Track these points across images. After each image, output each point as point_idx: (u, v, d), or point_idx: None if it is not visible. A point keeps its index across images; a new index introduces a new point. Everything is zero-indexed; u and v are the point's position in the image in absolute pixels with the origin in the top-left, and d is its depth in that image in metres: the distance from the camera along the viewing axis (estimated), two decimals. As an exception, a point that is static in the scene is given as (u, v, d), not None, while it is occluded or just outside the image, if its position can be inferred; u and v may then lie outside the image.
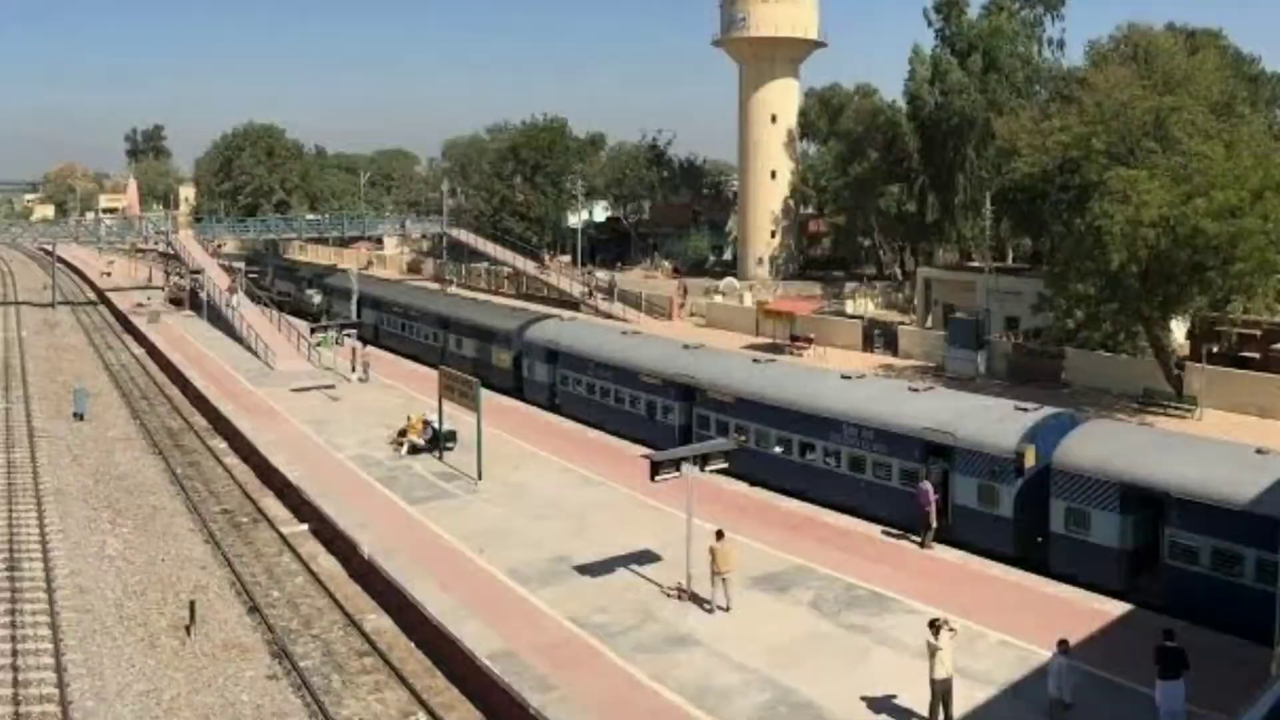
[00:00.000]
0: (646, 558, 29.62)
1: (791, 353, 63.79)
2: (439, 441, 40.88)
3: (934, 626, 20.90)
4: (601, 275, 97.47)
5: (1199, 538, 25.36)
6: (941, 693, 20.67)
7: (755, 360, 42.01)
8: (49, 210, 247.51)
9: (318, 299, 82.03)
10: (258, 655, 25.91)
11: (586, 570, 28.92)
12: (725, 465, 28.79)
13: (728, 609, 25.99)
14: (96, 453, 44.74)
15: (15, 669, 24.75)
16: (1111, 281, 46.45)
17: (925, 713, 20.87)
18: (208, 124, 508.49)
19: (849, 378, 37.70)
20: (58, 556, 31.76)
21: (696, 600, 26.57)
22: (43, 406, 52.94)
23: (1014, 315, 63.31)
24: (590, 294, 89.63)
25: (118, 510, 36.93)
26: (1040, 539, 28.76)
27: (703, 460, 27.70)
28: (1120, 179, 46.14)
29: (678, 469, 27.19)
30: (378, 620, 27.85)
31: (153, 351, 68.80)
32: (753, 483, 36.13)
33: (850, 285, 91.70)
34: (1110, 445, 28.36)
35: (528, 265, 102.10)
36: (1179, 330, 55.64)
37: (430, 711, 23.10)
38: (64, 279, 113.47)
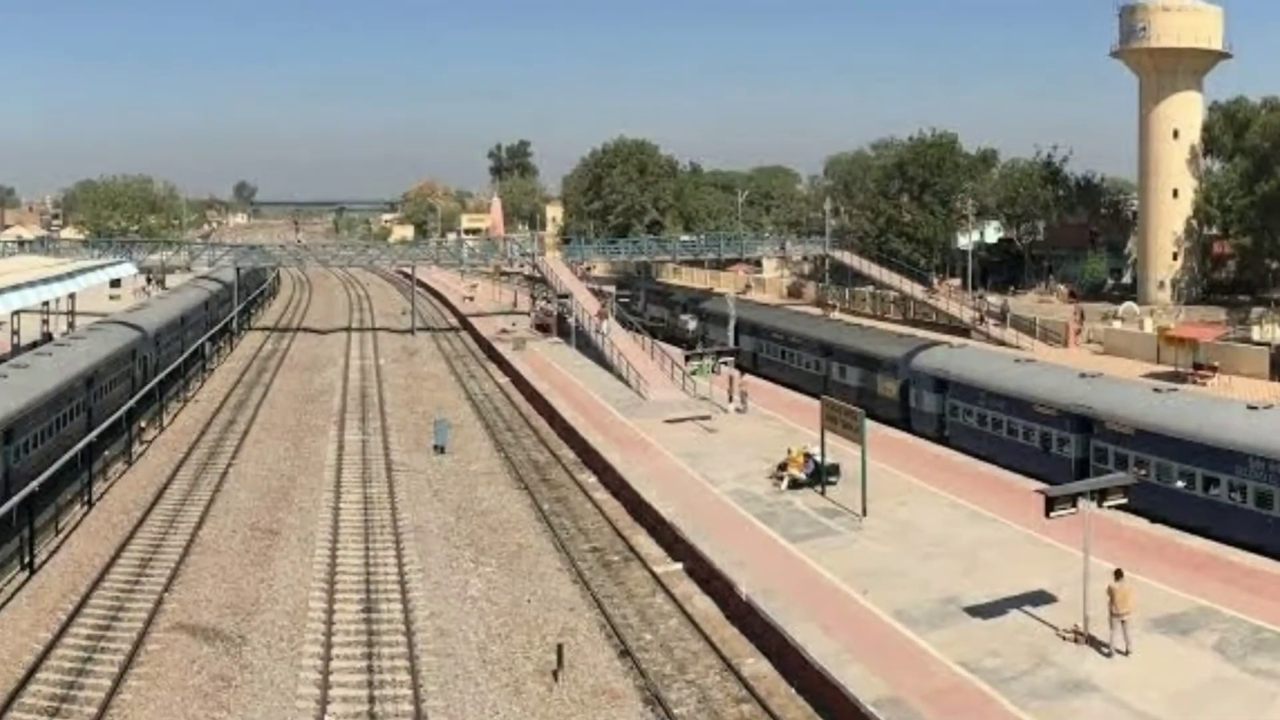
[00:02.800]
0: (1040, 598, 30.85)
1: (1195, 381, 66.00)
2: (821, 476, 42.63)
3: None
4: (993, 300, 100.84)
5: None
6: None
7: (1156, 389, 44.43)
8: (408, 231, 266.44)
9: (693, 325, 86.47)
10: (629, 702, 27.57)
11: (977, 611, 30.21)
12: (1124, 500, 30.19)
13: (1127, 652, 27.08)
14: (458, 487, 48.13)
15: (373, 716, 27.07)
16: None
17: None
18: (576, 139, 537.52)
19: (1255, 408, 39.17)
20: (417, 597, 34.36)
21: (1094, 643, 27.74)
22: (401, 439, 57.20)
23: None
24: (981, 319, 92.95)
25: (480, 548, 39.68)
26: None
27: (1100, 495, 29.24)
28: None
29: (1074, 505, 28.88)
30: (756, 665, 29.25)
31: (517, 380, 73.42)
32: (1153, 519, 37.40)
33: (1256, 310, 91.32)
34: None
35: (915, 289, 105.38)
36: None
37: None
38: (424, 304, 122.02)
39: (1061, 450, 43.95)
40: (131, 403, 56.20)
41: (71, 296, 78.10)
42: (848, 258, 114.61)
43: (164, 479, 48.47)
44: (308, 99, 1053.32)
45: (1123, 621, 27.14)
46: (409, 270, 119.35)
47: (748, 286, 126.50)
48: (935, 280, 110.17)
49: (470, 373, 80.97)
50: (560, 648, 29.51)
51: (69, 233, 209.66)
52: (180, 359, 72.53)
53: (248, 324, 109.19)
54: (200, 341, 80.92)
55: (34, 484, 39.13)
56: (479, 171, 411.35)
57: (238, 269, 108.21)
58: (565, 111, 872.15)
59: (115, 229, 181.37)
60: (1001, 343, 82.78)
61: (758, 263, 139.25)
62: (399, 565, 37.37)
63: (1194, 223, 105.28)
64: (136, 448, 54.11)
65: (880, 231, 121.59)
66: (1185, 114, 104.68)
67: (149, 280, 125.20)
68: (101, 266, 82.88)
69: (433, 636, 31.44)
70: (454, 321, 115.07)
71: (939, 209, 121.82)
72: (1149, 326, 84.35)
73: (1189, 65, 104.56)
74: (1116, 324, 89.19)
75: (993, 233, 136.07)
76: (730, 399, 59.48)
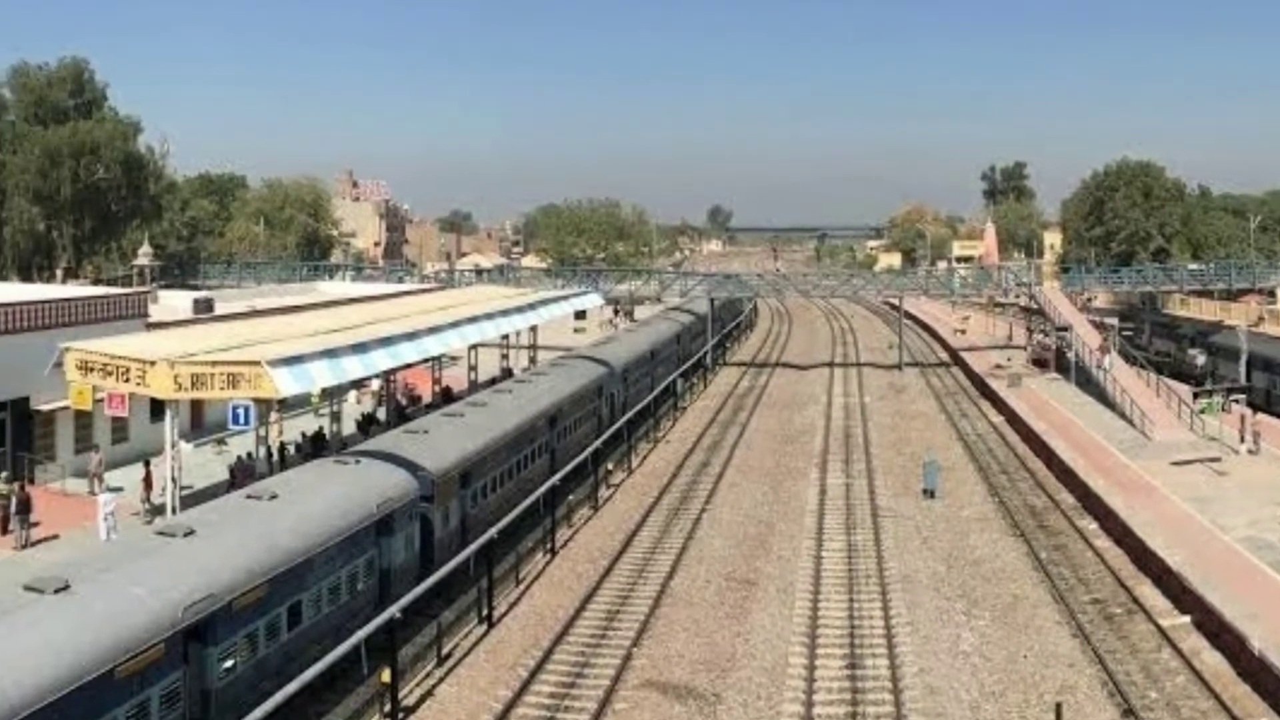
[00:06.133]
0: None
1: None
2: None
3: None
4: None
5: None
6: None
7: None
8: (895, 259, 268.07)
9: (1201, 359, 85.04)
10: (1133, 765, 27.54)
11: None
12: None
13: None
14: (949, 534, 48.32)
15: (858, 780, 27.79)
16: None
17: None
18: (1076, 160, 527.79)
19: None
20: (905, 652, 34.68)
21: None
22: (888, 482, 57.85)
23: None
24: None
25: (973, 600, 39.79)
26: None
27: None
28: None
29: None
30: (1269, 726, 28.76)
31: (1012, 419, 73.28)
32: None
33: None
34: None
35: None
36: None
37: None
38: (912, 337, 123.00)
39: None
40: (598, 443, 57.02)
41: (533, 329, 78.70)
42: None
43: (632, 525, 49.38)
44: (787, 117, 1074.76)
45: None
46: (896, 301, 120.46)
47: (1260, 319, 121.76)
48: None
49: (962, 411, 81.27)
50: (1059, 707, 29.54)
51: (530, 260, 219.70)
52: (650, 396, 73.48)
53: (723, 359, 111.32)
54: (671, 378, 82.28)
55: (492, 531, 39.76)
56: (971, 195, 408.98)
57: (712, 300, 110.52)
58: (1064, 130, 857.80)
59: (579, 256, 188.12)
60: None
61: (1272, 293, 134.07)
62: (885, 618, 37.61)
63: None
64: (603, 492, 55.08)
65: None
66: None
67: (616, 312, 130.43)
68: (565, 297, 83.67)
69: (921, 695, 31.67)
70: (944, 356, 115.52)
71: None
72: None
73: None
74: None
75: None
76: (1242, 439, 58.28)
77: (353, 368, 44.50)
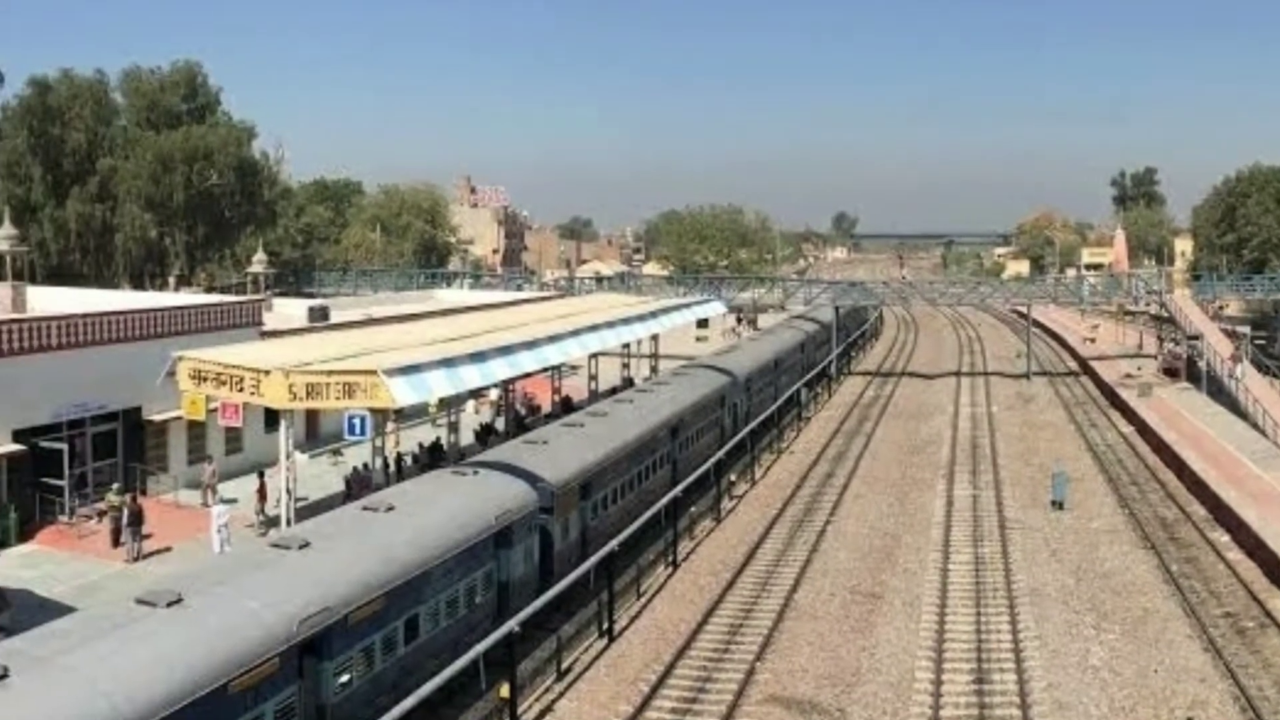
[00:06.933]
0: None
1: None
2: None
3: None
4: None
5: None
6: None
7: None
8: (1023, 266, 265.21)
9: None
10: (1265, 785, 26.93)
11: None
12: None
13: None
14: (1078, 547, 47.73)
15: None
16: None
17: None
18: (1208, 166, 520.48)
19: None
20: (1033, 667, 34.36)
21: None
22: (1015, 493, 57.22)
23: None
24: None
25: (1102, 614, 39.30)
26: None
27: None
28: None
29: None
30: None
31: (1143, 429, 72.22)
32: None
33: None
34: None
35: None
36: None
37: None
38: (1040, 345, 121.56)
39: None
40: (720, 454, 56.30)
41: (654, 338, 77.75)
42: None
43: (755, 538, 49.03)
44: (912, 122, 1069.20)
45: None
46: (1024, 309, 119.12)
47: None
48: None
49: (1091, 421, 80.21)
50: (1188, 723, 29.08)
51: (651, 268, 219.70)
52: (774, 406, 72.43)
53: (848, 368, 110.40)
54: (795, 387, 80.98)
55: (613, 543, 38.92)
56: (1100, 201, 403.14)
57: (836, 308, 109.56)
58: (1195, 135, 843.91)
59: (702, 264, 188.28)
60: None
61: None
62: (1013, 632, 37.32)
63: None
64: (725, 503, 54.59)
65: None
66: None
67: (739, 320, 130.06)
68: (687, 305, 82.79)
69: (1050, 710, 31.38)
70: (1073, 365, 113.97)
71: None
72: None
73: None
74: None
75: None
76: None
77: (470, 377, 44.12)
